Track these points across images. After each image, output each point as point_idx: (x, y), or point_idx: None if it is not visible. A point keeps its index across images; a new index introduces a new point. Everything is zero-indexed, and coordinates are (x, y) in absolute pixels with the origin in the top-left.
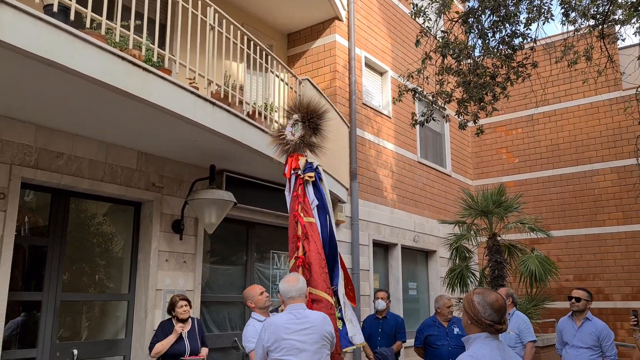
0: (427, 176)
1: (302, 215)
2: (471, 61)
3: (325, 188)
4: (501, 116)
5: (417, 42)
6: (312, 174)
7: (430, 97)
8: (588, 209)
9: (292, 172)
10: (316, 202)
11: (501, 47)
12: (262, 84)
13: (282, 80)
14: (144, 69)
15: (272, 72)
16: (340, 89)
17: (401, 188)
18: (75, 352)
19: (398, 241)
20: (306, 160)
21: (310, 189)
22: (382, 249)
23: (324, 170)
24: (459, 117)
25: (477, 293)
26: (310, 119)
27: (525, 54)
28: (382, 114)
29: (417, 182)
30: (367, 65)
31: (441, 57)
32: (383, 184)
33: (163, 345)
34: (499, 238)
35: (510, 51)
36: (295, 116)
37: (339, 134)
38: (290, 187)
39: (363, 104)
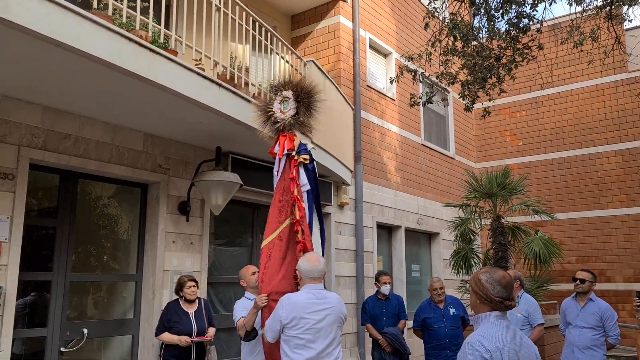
0: (431, 159)
1: (299, 198)
2: (477, 43)
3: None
4: (505, 99)
5: (426, 26)
6: (307, 157)
7: (433, 79)
8: (591, 192)
9: (286, 152)
10: (307, 186)
11: (508, 28)
12: (267, 66)
13: (287, 62)
14: (151, 50)
15: (277, 54)
16: (345, 71)
17: (405, 170)
18: (85, 331)
19: (402, 223)
20: (300, 142)
21: (302, 172)
22: (385, 231)
23: (327, 152)
24: (463, 99)
25: (483, 272)
26: (304, 97)
27: (532, 35)
28: (386, 96)
29: (420, 164)
30: (371, 47)
31: (446, 39)
32: (387, 166)
33: (167, 338)
34: (503, 220)
35: (517, 33)
36: (286, 93)
37: (343, 116)
38: (279, 167)
39: (367, 86)
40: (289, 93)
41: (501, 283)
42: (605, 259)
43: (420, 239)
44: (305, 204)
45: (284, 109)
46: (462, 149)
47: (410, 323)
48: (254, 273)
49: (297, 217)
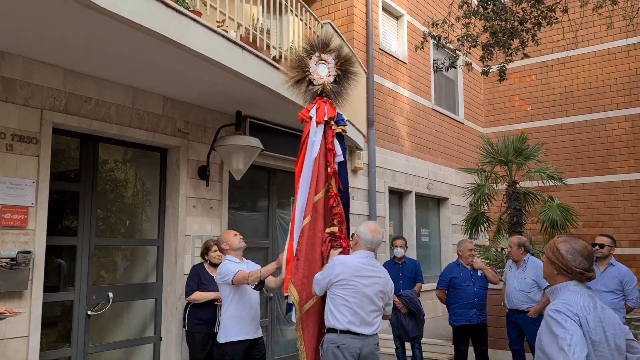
0: (441, 123)
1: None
2: (498, 5)
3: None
4: (514, 63)
5: None
6: (345, 128)
7: (454, 44)
8: (600, 157)
9: (326, 119)
10: (341, 157)
11: None
12: (279, 28)
13: (306, 23)
14: (177, 10)
15: (297, 16)
16: (358, 34)
17: (416, 135)
18: (111, 295)
19: (412, 188)
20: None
21: (337, 143)
22: (396, 196)
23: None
24: (483, 62)
25: (562, 242)
26: (345, 66)
27: None
28: (398, 59)
29: (431, 129)
30: (383, 9)
31: (471, 1)
32: (399, 131)
33: (202, 296)
34: (518, 186)
35: None
36: (324, 56)
37: (357, 81)
38: (316, 133)
39: (380, 49)
40: (328, 57)
41: (583, 254)
42: (612, 223)
43: (430, 204)
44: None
45: (320, 72)
46: (471, 113)
47: (429, 285)
48: (235, 235)
49: (335, 190)
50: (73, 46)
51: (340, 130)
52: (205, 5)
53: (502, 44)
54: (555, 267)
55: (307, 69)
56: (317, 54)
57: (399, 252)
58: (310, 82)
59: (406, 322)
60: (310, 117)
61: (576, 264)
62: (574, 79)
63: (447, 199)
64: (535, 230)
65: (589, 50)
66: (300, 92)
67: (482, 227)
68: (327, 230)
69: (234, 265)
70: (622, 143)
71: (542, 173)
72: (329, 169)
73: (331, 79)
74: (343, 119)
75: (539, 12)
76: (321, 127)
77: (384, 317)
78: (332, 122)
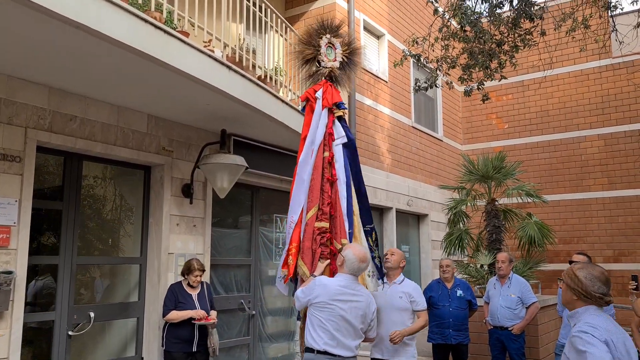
0: (420, 141)
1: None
2: (477, 28)
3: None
4: (491, 82)
5: (436, 11)
6: (346, 111)
7: (434, 64)
8: (574, 175)
9: (331, 105)
10: (344, 139)
11: (516, 15)
12: (262, 46)
13: (291, 43)
14: (165, 31)
15: (282, 36)
16: None
17: (396, 152)
18: (92, 314)
19: (393, 205)
20: None
21: (338, 125)
22: (377, 212)
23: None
24: (462, 83)
25: (579, 268)
26: (352, 55)
27: (535, 23)
28: (380, 78)
29: (411, 146)
30: (364, 28)
31: (449, 22)
32: (380, 148)
33: (178, 315)
34: (497, 203)
35: (525, 19)
36: (334, 40)
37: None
38: (321, 115)
39: (361, 67)
40: (336, 42)
41: (601, 279)
42: (586, 240)
43: (409, 220)
44: (339, 156)
45: (327, 55)
46: (450, 131)
47: None
48: None
49: (330, 176)
50: (58, 64)
51: (341, 114)
52: (193, 26)
53: (481, 65)
54: (575, 293)
55: (318, 48)
56: (327, 35)
57: None
58: (319, 63)
59: None
60: (316, 98)
61: (595, 289)
62: (549, 98)
63: (427, 215)
64: (513, 247)
65: (563, 70)
66: (306, 71)
67: (469, 245)
68: (317, 224)
69: None
70: (596, 161)
71: (521, 190)
72: (326, 153)
73: (337, 64)
74: (343, 103)
75: (517, 35)
76: (326, 110)
77: (366, 340)
78: (334, 107)
